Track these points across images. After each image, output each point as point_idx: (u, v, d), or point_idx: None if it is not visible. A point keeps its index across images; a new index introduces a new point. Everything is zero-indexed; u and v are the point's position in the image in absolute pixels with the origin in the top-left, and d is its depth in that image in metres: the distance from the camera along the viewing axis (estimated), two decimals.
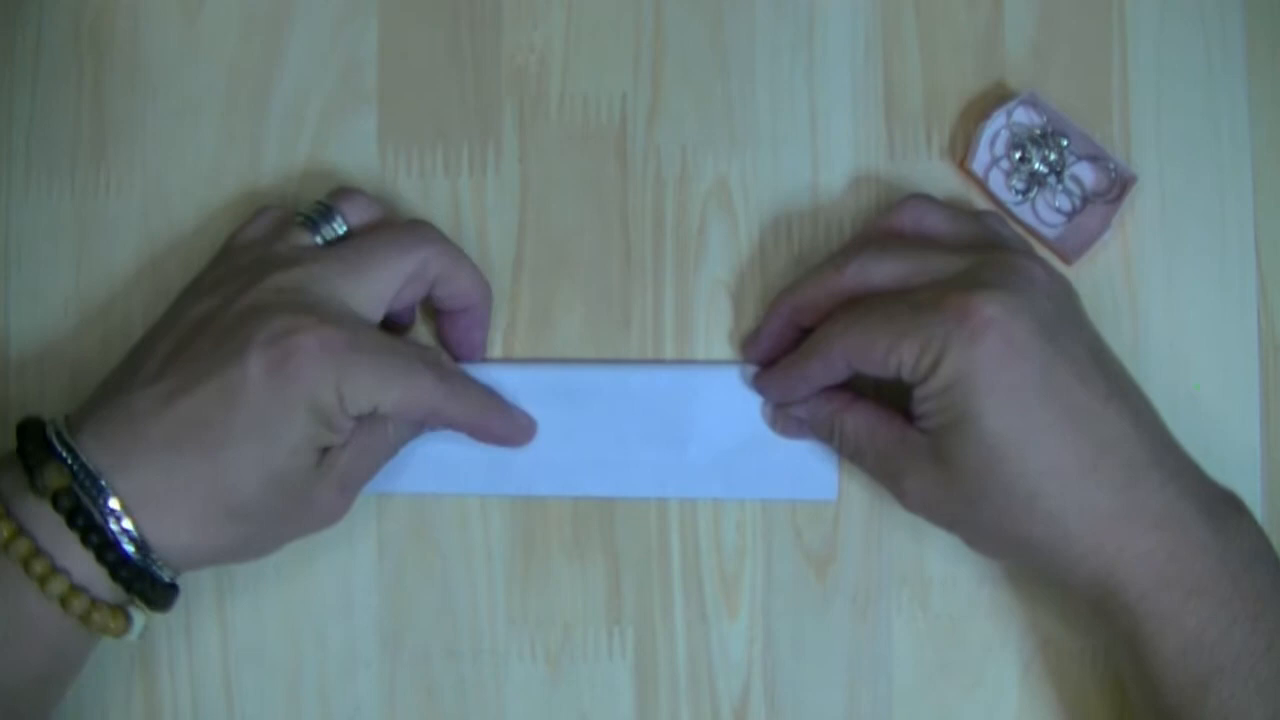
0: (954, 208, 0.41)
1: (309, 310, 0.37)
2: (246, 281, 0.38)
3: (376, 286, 0.39)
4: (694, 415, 0.43)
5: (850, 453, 0.41)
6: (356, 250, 0.39)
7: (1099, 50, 0.44)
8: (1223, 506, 0.37)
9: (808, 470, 0.43)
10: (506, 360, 0.43)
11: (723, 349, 0.43)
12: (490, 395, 0.42)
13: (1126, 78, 0.43)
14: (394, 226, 0.41)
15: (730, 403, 0.43)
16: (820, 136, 0.44)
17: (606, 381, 0.43)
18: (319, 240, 0.40)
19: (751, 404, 0.43)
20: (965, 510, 0.38)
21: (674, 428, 0.43)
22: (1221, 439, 0.42)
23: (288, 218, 0.41)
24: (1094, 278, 0.43)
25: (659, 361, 0.43)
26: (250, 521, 0.37)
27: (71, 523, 0.35)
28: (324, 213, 0.40)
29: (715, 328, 0.43)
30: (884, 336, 0.37)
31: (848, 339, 0.38)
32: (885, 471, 0.40)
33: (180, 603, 0.39)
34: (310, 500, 0.38)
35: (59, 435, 0.36)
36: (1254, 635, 0.35)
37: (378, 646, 0.43)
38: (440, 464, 0.43)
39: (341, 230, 0.40)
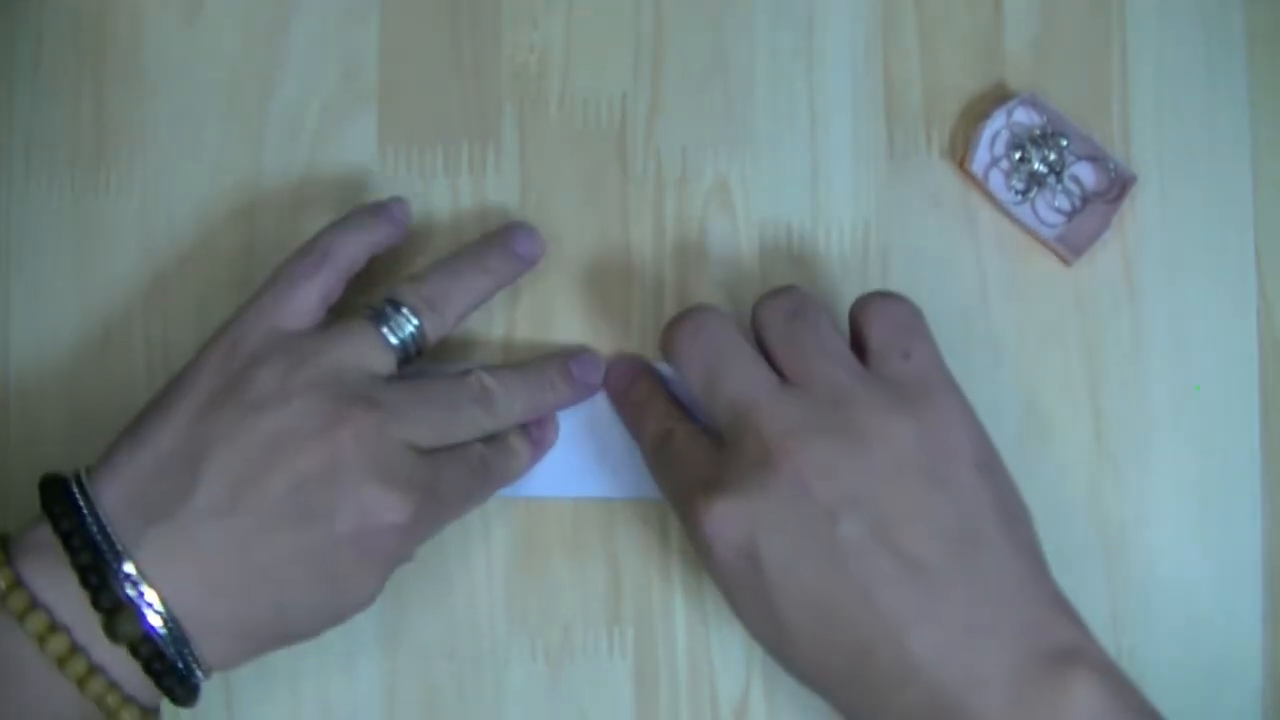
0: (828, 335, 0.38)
1: (394, 479, 0.36)
2: (323, 411, 0.36)
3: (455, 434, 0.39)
4: (693, 415, 0.43)
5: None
6: (435, 402, 0.38)
7: (1099, 50, 0.44)
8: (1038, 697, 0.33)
9: None
10: (506, 360, 0.43)
11: None
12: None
13: (1126, 78, 0.43)
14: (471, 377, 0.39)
15: None
16: (820, 136, 0.44)
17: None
18: (394, 344, 0.38)
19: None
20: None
21: None
22: (1221, 439, 0.42)
23: (356, 312, 0.39)
24: (1094, 278, 0.43)
25: (659, 362, 0.43)
26: (287, 612, 0.37)
27: (96, 605, 0.34)
28: (395, 313, 0.38)
29: None
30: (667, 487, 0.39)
31: (655, 477, 0.40)
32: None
33: None
34: (344, 585, 0.38)
35: (121, 552, 0.34)
36: None
37: (378, 646, 0.43)
38: None
39: (414, 331, 0.39)
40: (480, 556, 0.43)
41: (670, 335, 0.39)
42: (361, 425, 0.36)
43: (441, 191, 0.44)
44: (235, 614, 0.36)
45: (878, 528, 0.34)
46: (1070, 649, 0.34)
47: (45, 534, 0.35)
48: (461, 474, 0.39)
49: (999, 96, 0.43)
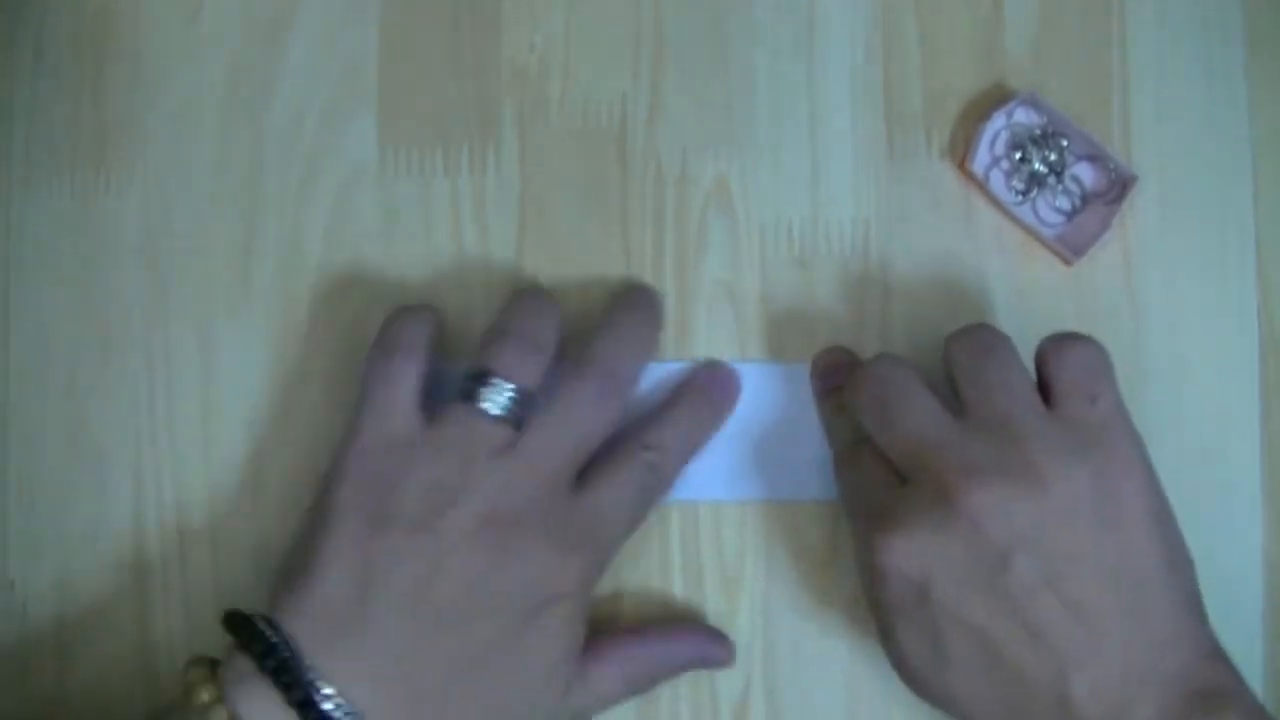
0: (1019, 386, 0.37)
1: (574, 607, 0.38)
2: (475, 519, 0.37)
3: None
4: None
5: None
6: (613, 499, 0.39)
7: (1099, 50, 0.44)
8: None
9: (808, 470, 0.42)
10: None
11: (723, 349, 0.43)
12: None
13: (1126, 78, 0.43)
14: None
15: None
16: (820, 136, 0.44)
17: None
18: (500, 414, 0.38)
19: (751, 404, 0.43)
20: None
21: None
22: (1221, 439, 0.42)
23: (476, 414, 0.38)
24: (1094, 278, 0.43)
25: (659, 361, 0.43)
26: None
27: None
28: (483, 385, 0.38)
29: (715, 328, 0.43)
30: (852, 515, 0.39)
31: (837, 484, 0.41)
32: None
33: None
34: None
35: (308, 666, 0.36)
36: None
37: None
38: None
39: (513, 395, 0.38)
40: None
41: (853, 383, 0.39)
42: (520, 543, 0.37)
43: (441, 191, 0.44)
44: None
45: (1048, 570, 0.35)
46: (1221, 692, 0.35)
47: (247, 664, 0.36)
48: (628, 495, 0.39)
49: (999, 96, 0.43)
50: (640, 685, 0.40)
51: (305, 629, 0.36)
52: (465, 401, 0.38)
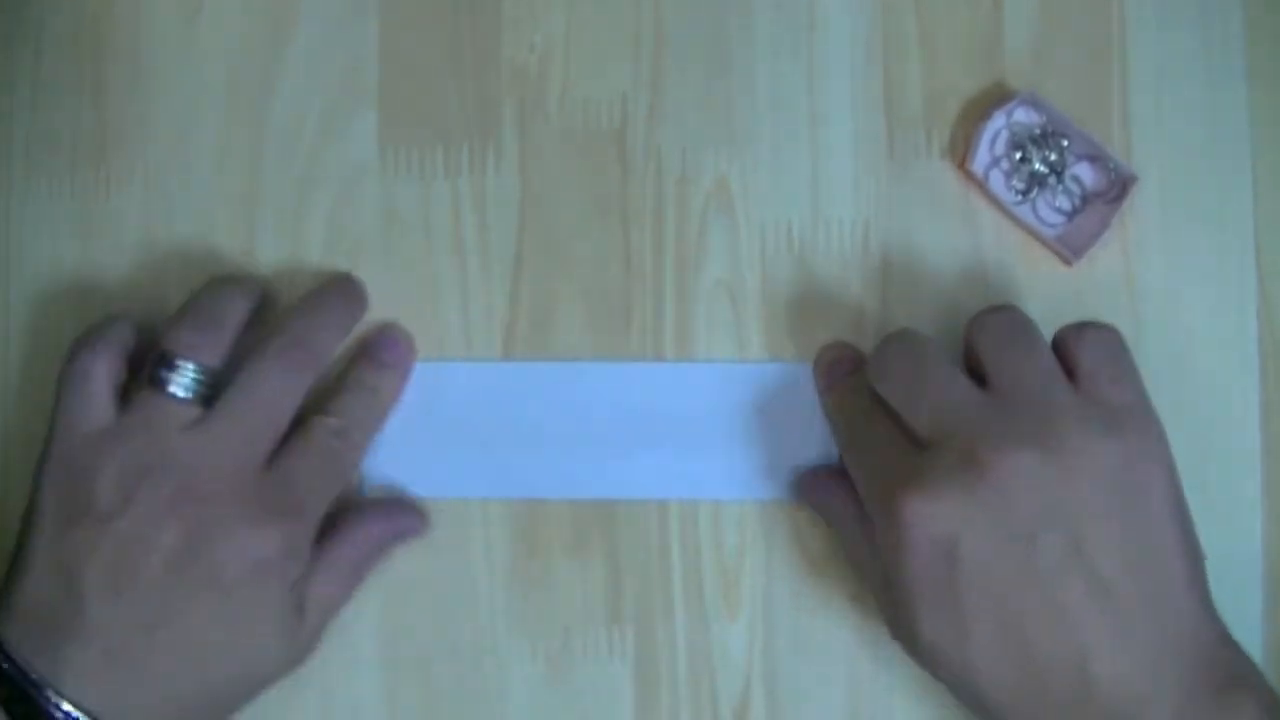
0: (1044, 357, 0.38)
1: (260, 517, 0.38)
2: (165, 499, 0.37)
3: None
4: (694, 415, 0.43)
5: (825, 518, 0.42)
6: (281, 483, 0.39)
7: (1099, 50, 0.44)
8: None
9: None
10: (506, 360, 0.43)
11: (723, 349, 0.43)
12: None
13: (1126, 78, 0.43)
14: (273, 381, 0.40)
15: (730, 403, 0.43)
16: (820, 136, 0.44)
17: (607, 382, 0.43)
18: (186, 396, 0.38)
19: (752, 404, 0.43)
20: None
21: (674, 428, 0.43)
22: (1222, 439, 0.42)
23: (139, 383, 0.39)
24: (1094, 278, 0.43)
25: (659, 361, 0.43)
26: (222, 706, 0.39)
27: None
28: (167, 368, 0.39)
29: (715, 328, 0.43)
30: (857, 498, 0.39)
31: (849, 467, 0.40)
32: (857, 565, 0.41)
33: None
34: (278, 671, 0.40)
35: (23, 670, 0.36)
36: None
37: (378, 646, 0.43)
38: (439, 469, 0.43)
39: (196, 374, 0.39)
40: (480, 556, 0.43)
41: (878, 354, 0.39)
42: (208, 509, 0.37)
43: (441, 191, 0.44)
44: (166, 699, 0.37)
45: (1075, 546, 0.34)
46: (1239, 678, 0.35)
47: None
48: (316, 464, 0.40)
49: (999, 96, 0.43)
50: (354, 584, 0.41)
51: (18, 634, 0.36)
52: (151, 386, 0.39)
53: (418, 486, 0.43)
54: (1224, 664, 0.35)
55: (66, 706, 0.35)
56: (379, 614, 0.43)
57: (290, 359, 0.40)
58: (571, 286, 0.44)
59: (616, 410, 0.43)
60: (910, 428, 0.37)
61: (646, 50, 0.44)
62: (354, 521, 0.41)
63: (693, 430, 0.43)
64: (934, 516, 0.35)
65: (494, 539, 0.43)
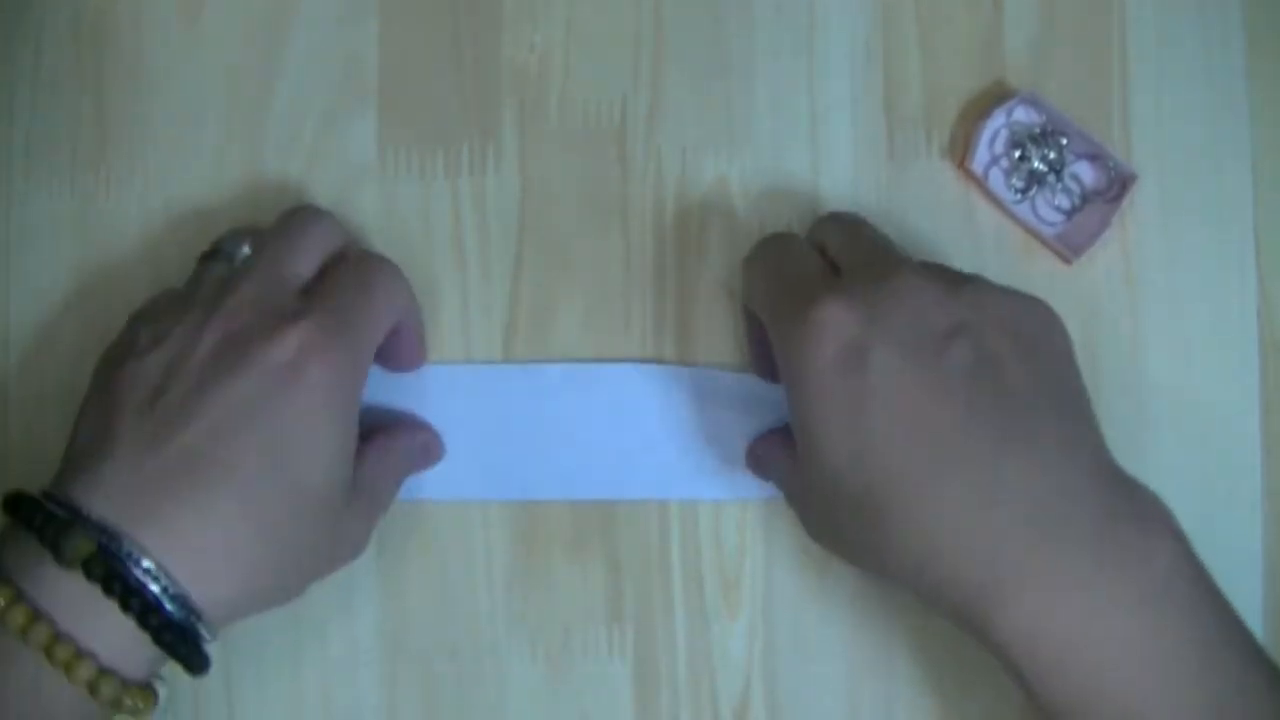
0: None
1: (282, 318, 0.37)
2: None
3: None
4: (694, 416, 0.43)
5: (771, 481, 0.42)
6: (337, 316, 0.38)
7: (1099, 50, 0.44)
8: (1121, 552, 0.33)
9: None
10: (506, 360, 0.43)
11: (723, 349, 0.43)
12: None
13: (1126, 78, 0.43)
14: (362, 283, 0.39)
15: (730, 403, 0.43)
16: (820, 136, 0.44)
17: (607, 382, 0.43)
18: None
19: (751, 404, 0.43)
20: (826, 530, 0.38)
21: (674, 428, 0.43)
22: (1222, 439, 0.42)
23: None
24: (1094, 278, 0.43)
25: (659, 362, 0.43)
26: (284, 557, 0.36)
27: (108, 590, 0.33)
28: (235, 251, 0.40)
29: (716, 328, 0.43)
30: (763, 314, 0.38)
31: (751, 300, 0.40)
32: (789, 496, 0.40)
33: None
34: (338, 530, 0.38)
35: (63, 504, 0.34)
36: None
37: (378, 646, 0.43)
38: (440, 470, 0.43)
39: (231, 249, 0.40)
40: (480, 556, 0.43)
41: (746, 261, 0.40)
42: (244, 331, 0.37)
43: (441, 192, 0.44)
44: (201, 516, 0.34)
45: (984, 357, 0.34)
46: (1153, 507, 0.34)
47: (34, 548, 0.34)
48: (349, 280, 0.39)
49: (999, 96, 0.43)
50: (400, 477, 0.42)
51: (104, 506, 0.34)
52: (211, 260, 0.40)
53: (418, 488, 0.43)
54: (1139, 497, 0.34)
55: (160, 576, 0.34)
56: (379, 614, 0.43)
57: (310, 211, 0.41)
58: (571, 286, 0.44)
59: (616, 411, 0.43)
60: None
61: (646, 50, 0.44)
62: (385, 430, 0.42)
63: (693, 430, 0.43)
64: (846, 323, 0.35)
65: (494, 540, 0.43)
